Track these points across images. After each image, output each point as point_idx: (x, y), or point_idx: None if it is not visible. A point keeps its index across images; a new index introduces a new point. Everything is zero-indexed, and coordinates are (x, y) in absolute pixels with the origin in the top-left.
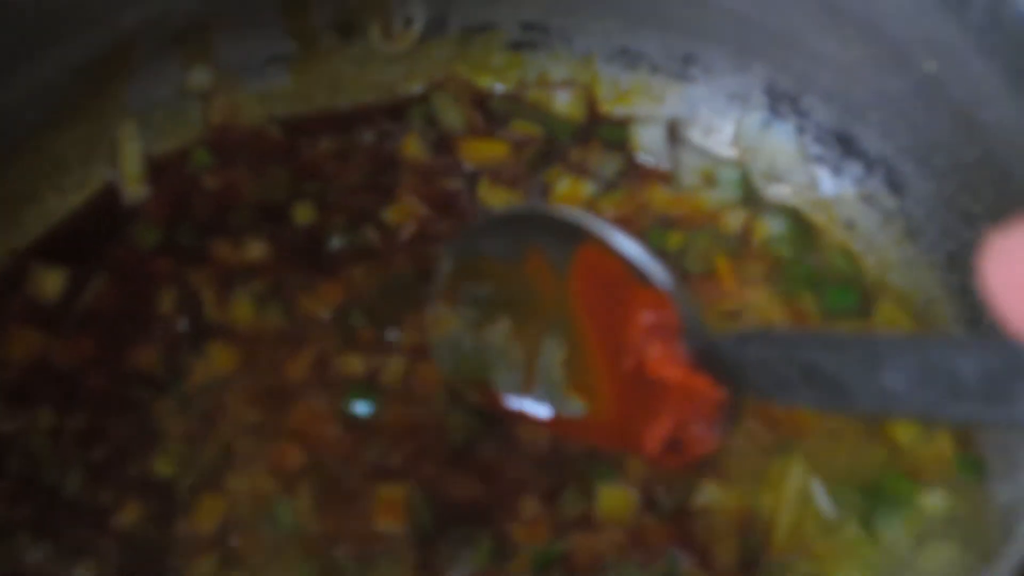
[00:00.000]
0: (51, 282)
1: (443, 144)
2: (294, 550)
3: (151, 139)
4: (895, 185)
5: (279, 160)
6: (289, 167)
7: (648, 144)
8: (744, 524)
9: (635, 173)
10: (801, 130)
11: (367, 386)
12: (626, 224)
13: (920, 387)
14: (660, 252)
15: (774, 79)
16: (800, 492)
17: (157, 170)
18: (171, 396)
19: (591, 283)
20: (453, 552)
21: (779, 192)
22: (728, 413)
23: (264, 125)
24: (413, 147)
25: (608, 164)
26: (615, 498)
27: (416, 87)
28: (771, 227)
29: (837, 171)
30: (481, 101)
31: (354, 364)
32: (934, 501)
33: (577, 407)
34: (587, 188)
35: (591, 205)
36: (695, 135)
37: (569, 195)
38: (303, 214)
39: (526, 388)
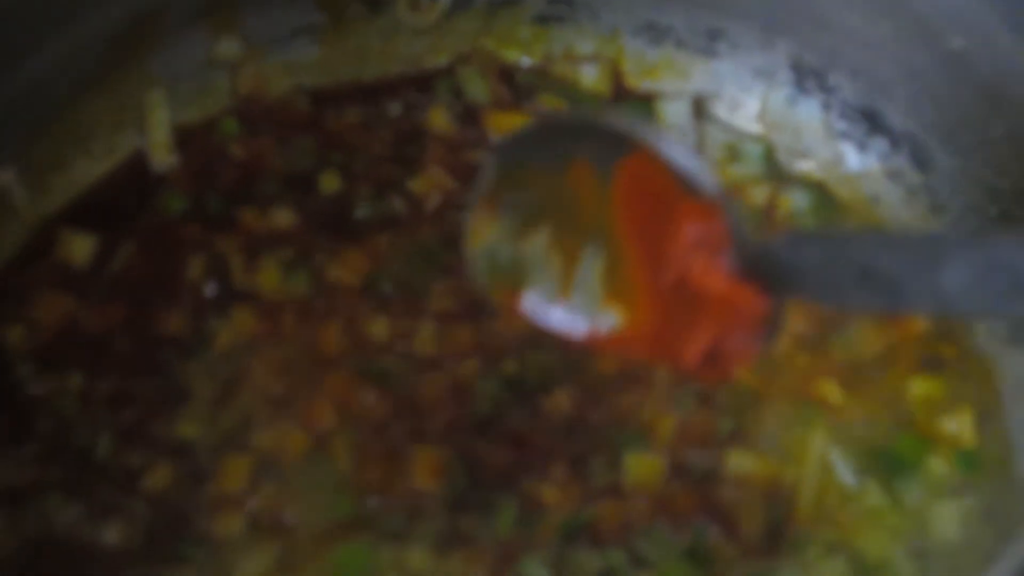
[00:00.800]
0: (80, 248)
1: (469, 116)
2: (327, 504)
3: (179, 108)
4: (920, 161)
5: (306, 130)
6: (315, 137)
7: (673, 119)
8: (770, 494)
9: None
10: (827, 106)
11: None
12: None
13: (981, 285)
14: None
15: (800, 55)
16: (822, 462)
17: (185, 138)
18: (198, 360)
19: (635, 194)
20: (483, 516)
21: (804, 167)
22: (769, 326)
23: (291, 95)
24: (439, 119)
25: None
26: (643, 466)
27: (443, 60)
28: (795, 201)
29: (862, 147)
30: (507, 74)
31: (384, 330)
32: (947, 465)
33: (613, 319)
34: None
35: None
36: (720, 110)
37: None
38: (329, 183)
39: (562, 298)
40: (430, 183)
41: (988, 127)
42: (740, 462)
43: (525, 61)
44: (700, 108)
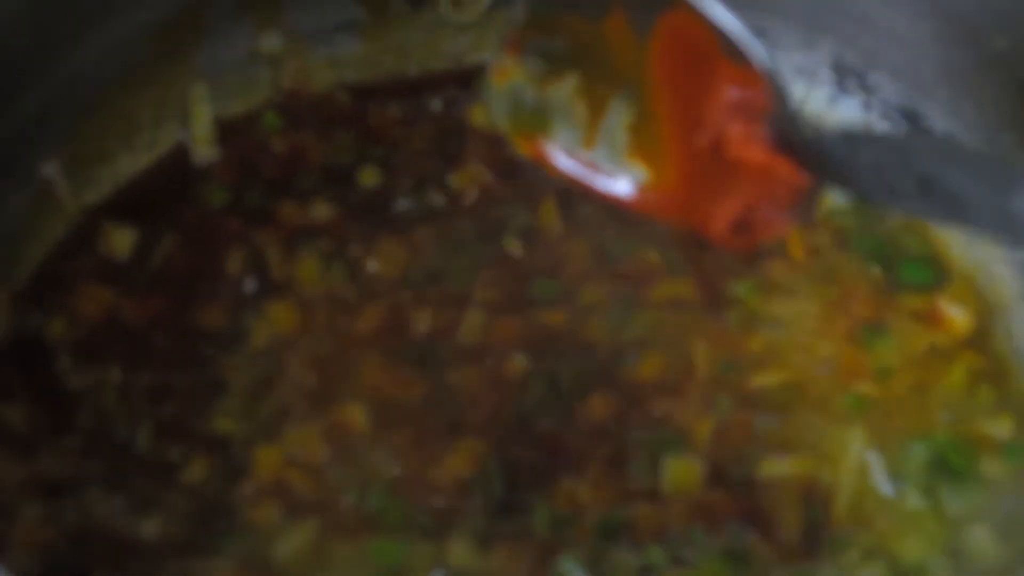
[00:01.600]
0: (122, 240)
1: None
2: (361, 496)
3: (221, 102)
4: None
5: (347, 124)
6: (356, 131)
7: None
8: (807, 496)
9: None
10: (867, 106)
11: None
12: None
13: None
14: None
15: (841, 55)
16: (860, 466)
17: (227, 132)
18: (236, 353)
19: (674, 51)
20: (519, 514)
21: None
22: (806, 200)
23: (333, 90)
24: (480, 115)
25: None
26: (681, 469)
27: (484, 56)
28: (835, 200)
29: None
30: None
31: (428, 319)
32: (995, 469)
33: (637, 174)
34: None
35: None
36: None
37: None
38: (369, 177)
39: (585, 147)
40: (469, 178)
41: None
42: (778, 465)
43: None
44: None
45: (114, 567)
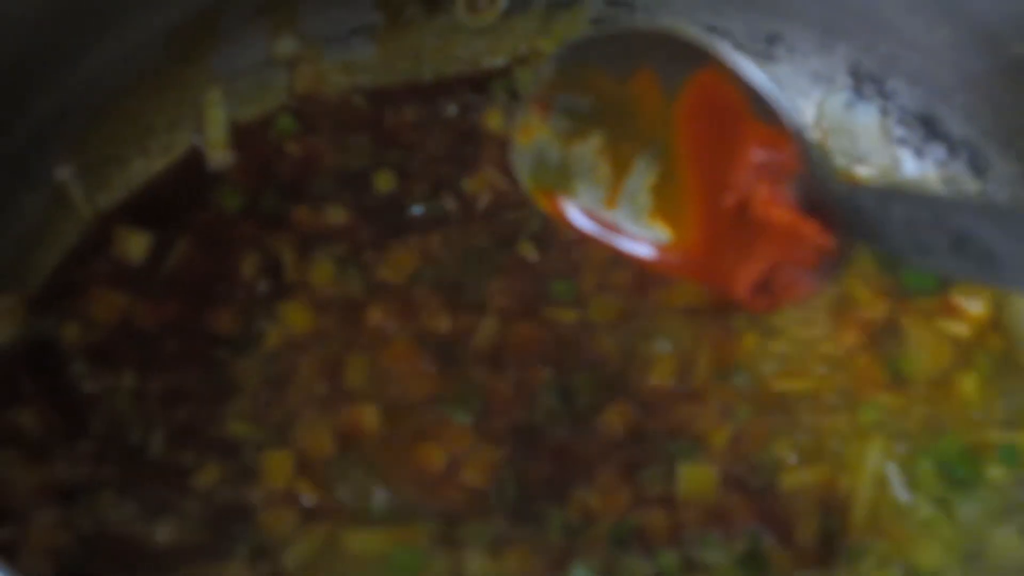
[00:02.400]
0: (136, 245)
1: None
2: (371, 500)
3: (236, 106)
4: (978, 168)
5: (362, 129)
6: (371, 136)
7: None
8: (824, 502)
9: None
10: (885, 112)
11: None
12: None
13: None
14: None
15: (859, 60)
16: (877, 474)
17: (242, 136)
18: (249, 358)
19: (702, 111)
20: (533, 522)
21: (861, 173)
22: (831, 261)
23: (348, 94)
24: (495, 120)
25: None
26: (696, 476)
27: (500, 61)
28: None
29: (920, 153)
30: None
31: (444, 324)
32: (1002, 473)
33: (659, 235)
34: None
35: None
36: None
37: None
38: (384, 182)
39: (608, 207)
40: (483, 183)
41: None
42: (795, 474)
43: None
44: None
45: (127, 571)
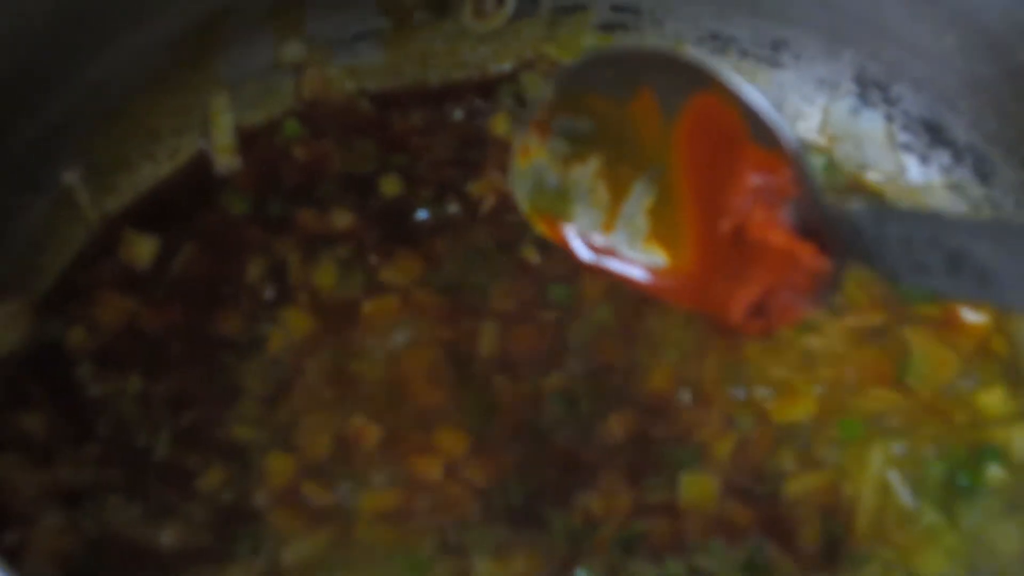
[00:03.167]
0: (143, 249)
1: None
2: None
3: (243, 110)
4: (983, 174)
5: (368, 133)
6: (377, 140)
7: None
8: (827, 509)
9: None
10: (890, 118)
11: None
12: None
13: None
14: None
15: (864, 66)
16: (880, 481)
17: (248, 140)
18: (253, 361)
19: (700, 134)
20: (537, 527)
21: (866, 179)
22: (825, 285)
23: (354, 99)
24: (501, 125)
25: None
26: (698, 486)
27: (506, 66)
28: None
29: (925, 159)
30: None
31: (448, 328)
32: (1001, 474)
33: (655, 260)
34: None
35: None
36: None
37: None
38: (390, 186)
39: (605, 231)
40: (487, 186)
41: None
42: (799, 481)
43: None
44: None
45: (132, 575)
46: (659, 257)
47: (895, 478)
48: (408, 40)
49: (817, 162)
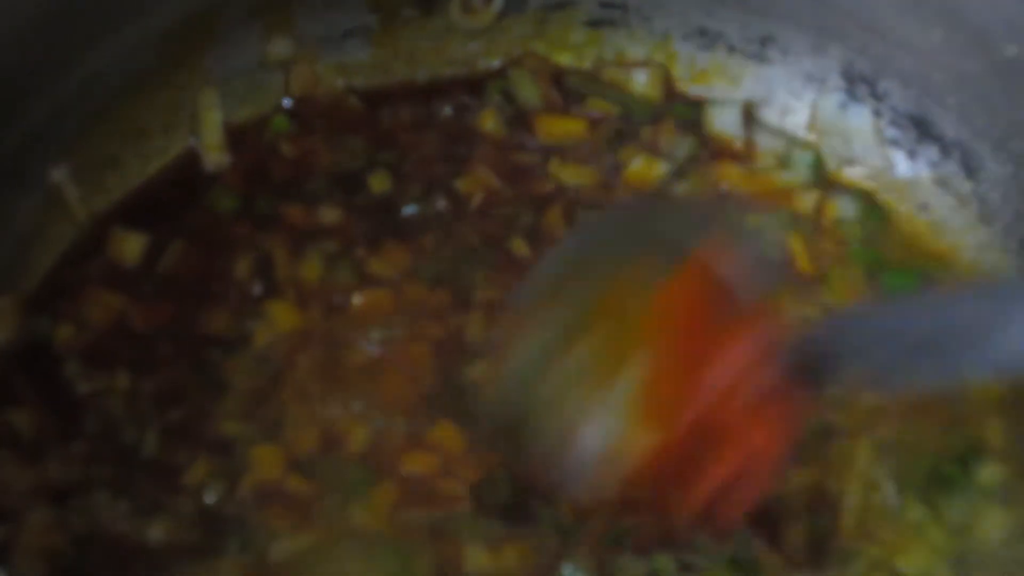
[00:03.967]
0: (132, 246)
1: (520, 120)
2: (363, 498)
3: (231, 107)
4: (971, 169)
5: (356, 130)
6: (366, 137)
7: (723, 125)
8: (813, 505)
9: (708, 153)
10: (877, 113)
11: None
12: None
13: None
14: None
15: (852, 62)
16: (866, 477)
17: (236, 137)
18: (240, 357)
19: (683, 311)
20: (523, 523)
21: (854, 174)
22: (780, 464)
23: (343, 95)
24: (490, 122)
25: (681, 144)
26: None
27: (494, 62)
28: (843, 209)
29: (912, 154)
30: (558, 78)
31: (433, 327)
32: (990, 474)
33: (644, 441)
34: (660, 168)
35: (664, 185)
36: (771, 116)
37: (642, 174)
38: (378, 182)
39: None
40: (475, 182)
41: None
42: (785, 476)
43: (576, 65)
44: (750, 114)
45: (120, 571)
46: (648, 438)
47: (881, 473)
48: (396, 37)
49: (805, 158)
